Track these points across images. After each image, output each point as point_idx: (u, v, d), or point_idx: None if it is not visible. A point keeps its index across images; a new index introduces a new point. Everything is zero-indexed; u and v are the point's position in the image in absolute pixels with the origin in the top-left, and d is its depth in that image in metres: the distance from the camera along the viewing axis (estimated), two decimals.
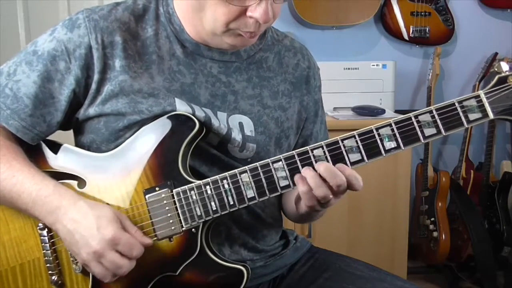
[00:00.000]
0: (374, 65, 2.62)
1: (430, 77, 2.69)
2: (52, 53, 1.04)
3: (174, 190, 1.01)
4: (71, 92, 1.05)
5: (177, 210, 1.01)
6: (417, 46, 2.86)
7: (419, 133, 0.94)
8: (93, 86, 1.05)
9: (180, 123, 1.02)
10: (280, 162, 0.97)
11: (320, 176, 0.95)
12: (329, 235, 2.26)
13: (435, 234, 2.64)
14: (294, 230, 1.31)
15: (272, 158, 0.98)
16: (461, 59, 2.91)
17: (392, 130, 0.95)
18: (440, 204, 2.67)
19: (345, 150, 0.96)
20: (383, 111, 2.44)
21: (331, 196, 0.96)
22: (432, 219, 2.68)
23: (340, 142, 0.96)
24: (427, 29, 2.78)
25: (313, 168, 0.96)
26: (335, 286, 1.14)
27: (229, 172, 0.99)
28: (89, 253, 0.95)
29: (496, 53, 2.75)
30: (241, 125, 1.10)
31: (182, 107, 1.05)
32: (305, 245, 1.27)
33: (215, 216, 1.00)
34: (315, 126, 1.24)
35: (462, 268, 2.70)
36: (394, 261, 2.41)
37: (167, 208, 1.01)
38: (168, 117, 1.03)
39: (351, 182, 0.96)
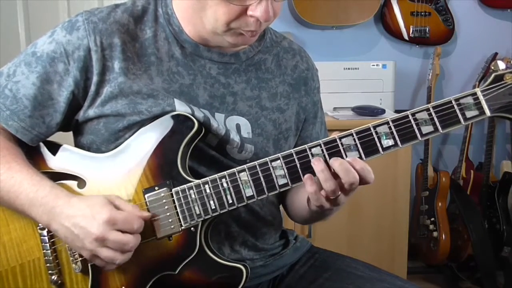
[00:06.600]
0: (374, 65, 2.61)
1: (430, 77, 2.69)
2: (51, 55, 1.05)
3: (173, 189, 1.01)
4: (70, 93, 1.06)
5: (176, 209, 1.01)
6: (417, 46, 2.86)
7: (416, 130, 0.94)
8: (92, 88, 1.05)
9: (179, 123, 1.03)
10: (279, 161, 0.98)
11: (331, 171, 0.94)
12: (329, 235, 2.26)
13: (435, 234, 2.64)
14: (294, 230, 1.31)
15: (271, 157, 0.98)
16: (461, 59, 2.91)
17: (390, 128, 0.95)
18: (440, 204, 2.67)
19: (343, 148, 0.96)
20: (383, 111, 2.44)
21: (339, 192, 0.95)
22: (432, 219, 2.67)
23: (338, 140, 0.96)
24: (427, 29, 2.78)
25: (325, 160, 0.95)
26: (335, 286, 1.14)
27: (227, 171, 1.00)
28: (91, 241, 0.95)
29: (496, 53, 2.75)
30: (238, 126, 1.10)
31: (181, 108, 1.05)
32: (305, 245, 1.27)
33: (214, 215, 1.00)
34: (314, 127, 1.24)
35: (462, 268, 2.69)
36: (394, 261, 2.41)
37: (166, 207, 1.01)
38: (167, 117, 1.03)
39: (363, 176, 0.94)
